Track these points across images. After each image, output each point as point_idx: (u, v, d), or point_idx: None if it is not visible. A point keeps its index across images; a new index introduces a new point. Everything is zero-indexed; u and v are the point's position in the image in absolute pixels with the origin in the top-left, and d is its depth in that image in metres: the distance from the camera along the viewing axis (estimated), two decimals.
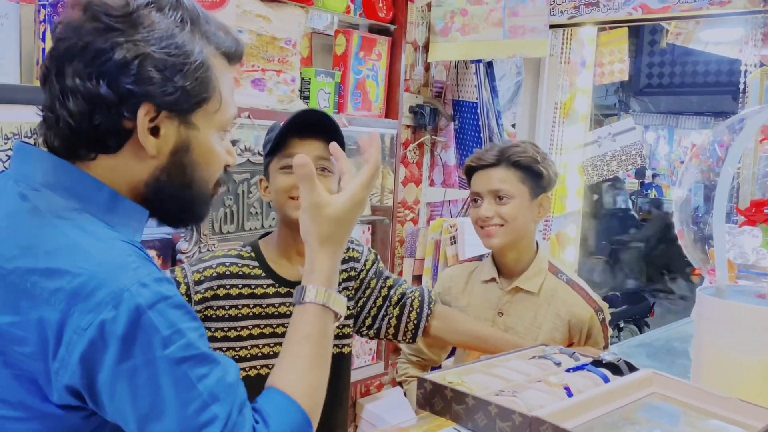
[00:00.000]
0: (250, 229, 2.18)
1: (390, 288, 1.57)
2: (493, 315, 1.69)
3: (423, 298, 1.58)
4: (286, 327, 1.36)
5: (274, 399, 0.87)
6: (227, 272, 1.39)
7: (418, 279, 3.00)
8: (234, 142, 2.11)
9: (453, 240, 2.84)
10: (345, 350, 1.51)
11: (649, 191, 14.08)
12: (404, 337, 1.58)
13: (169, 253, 2.01)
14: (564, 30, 3.14)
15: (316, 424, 0.90)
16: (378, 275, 1.56)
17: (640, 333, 6.50)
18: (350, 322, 1.54)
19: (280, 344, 1.37)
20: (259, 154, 2.17)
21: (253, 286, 1.40)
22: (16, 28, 1.64)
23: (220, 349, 1.37)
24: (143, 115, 0.81)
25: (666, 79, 11.46)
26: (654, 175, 14.63)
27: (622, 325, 6.45)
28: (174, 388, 0.76)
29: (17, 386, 0.75)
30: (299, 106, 2.32)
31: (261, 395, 0.88)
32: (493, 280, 1.70)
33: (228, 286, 1.38)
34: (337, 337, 1.49)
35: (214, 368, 0.79)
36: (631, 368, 1.32)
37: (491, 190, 1.63)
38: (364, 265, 1.55)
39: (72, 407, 0.77)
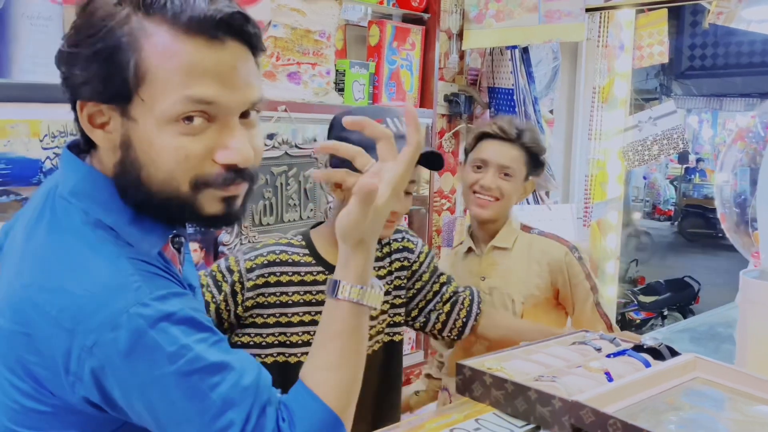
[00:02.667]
0: (289, 221, 2.21)
1: (442, 285, 1.60)
2: (476, 281, 1.74)
3: (473, 297, 1.62)
4: None
5: (302, 397, 0.85)
6: (277, 260, 1.41)
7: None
8: (271, 136, 2.14)
9: None
10: (396, 338, 1.54)
11: (693, 176, 13.77)
12: (450, 334, 1.61)
13: (211, 245, 2.05)
14: (601, 13, 3.09)
15: (349, 423, 0.87)
16: (431, 270, 1.59)
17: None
18: (401, 310, 1.56)
19: None
20: (296, 146, 2.20)
21: (302, 273, 1.42)
22: (60, 29, 1.69)
23: (273, 335, 1.40)
24: (80, 111, 0.80)
25: (709, 61, 11.15)
26: (698, 160, 14.30)
27: (666, 312, 6.34)
28: (187, 401, 0.76)
29: (38, 387, 0.78)
30: (334, 98, 2.33)
31: (292, 389, 0.86)
32: (470, 250, 1.78)
33: (278, 273, 1.40)
34: (388, 325, 1.52)
35: (228, 375, 0.78)
36: (673, 353, 1.30)
37: (502, 165, 1.68)
38: (418, 257, 1.57)
39: (95, 406, 0.79)
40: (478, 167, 1.70)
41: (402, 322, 1.56)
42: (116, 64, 0.75)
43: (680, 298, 6.54)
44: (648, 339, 1.35)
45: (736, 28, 3.42)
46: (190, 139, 0.78)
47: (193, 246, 2.00)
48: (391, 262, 1.53)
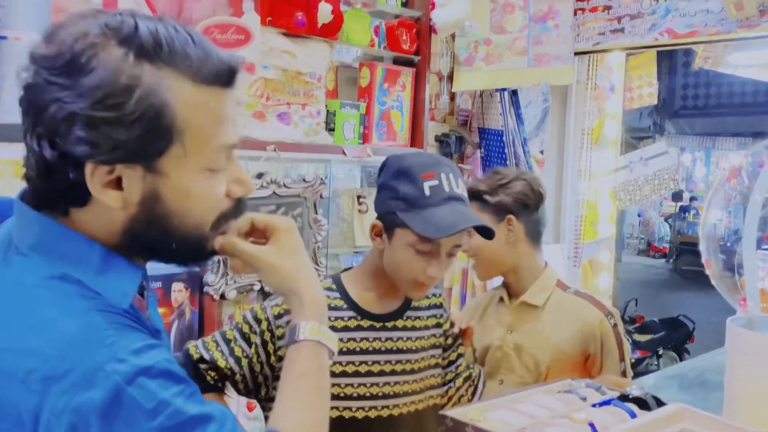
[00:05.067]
0: None
1: (459, 355, 1.54)
2: (503, 333, 1.69)
3: (480, 376, 1.57)
4: (369, 365, 1.37)
5: None
6: None
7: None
8: (260, 175, 2.14)
9: None
10: (439, 400, 1.48)
11: (687, 214, 13.82)
12: (452, 406, 1.52)
13: (196, 286, 2.04)
14: (590, 56, 3.13)
15: None
16: (453, 335, 1.53)
17: (680, 360, 6.32)
18: (438, 371, 1.48)
19: (364, 385, 1.36)
20: (285, 186, 2.20)
21: (333, 318, 1.34)
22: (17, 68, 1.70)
23: None
24: (90, 174, 0.74)
25: (701, 101, 11.30)
26: (692, 198, 14.37)
27: (661, 351, 6.28)
28: None
29: None
30: (325, 138, 2.34)
31: None
32: (501, 300, 1.74)
33: None
34: (431, 387, 1.45)
35: (208, 426, 0.76)
36: (660, 403, 1.28)
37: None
38: (447, 318, 1.52)
39: None
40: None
41: (437, 384, 1.48)
42: (151, 124, 0.74)
43: (675, 337, 6.49)
44: (634, 389, 1.33)
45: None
46: (216, 181, 0.82)
47: (178, 286, 1.98)
48: (429, 316, 1.47)
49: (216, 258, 1.99)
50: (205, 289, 2.03)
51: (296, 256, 0.93)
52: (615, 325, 1.63)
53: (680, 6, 2.50)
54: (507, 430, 1.12)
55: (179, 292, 1.99)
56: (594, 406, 1.28)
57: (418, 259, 1.32)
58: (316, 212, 2.31)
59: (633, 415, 1.24)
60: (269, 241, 0.93)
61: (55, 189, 0.77)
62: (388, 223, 1.34)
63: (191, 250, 0.84)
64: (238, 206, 0.87)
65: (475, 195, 1.64)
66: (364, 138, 2.55)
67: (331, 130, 2.42)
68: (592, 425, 1.18)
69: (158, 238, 0.81)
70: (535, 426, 1.15)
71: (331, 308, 1.35)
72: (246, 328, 1.34)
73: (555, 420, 1.19)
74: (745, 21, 2.37)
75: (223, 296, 2.05)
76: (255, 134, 2.12)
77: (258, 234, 0.94)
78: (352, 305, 1.38)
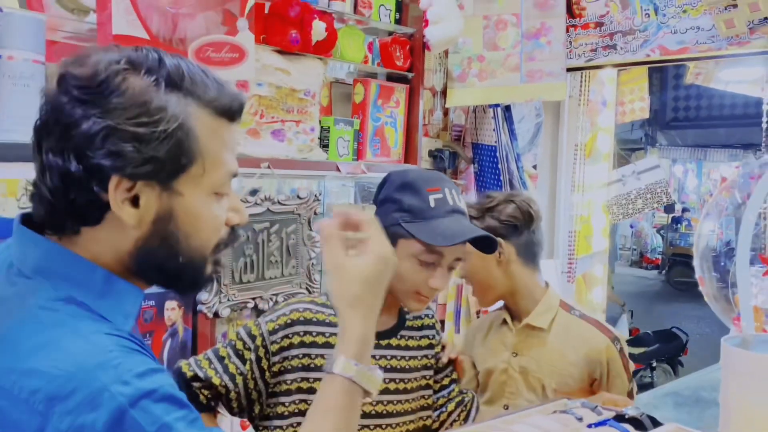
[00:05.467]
0: (270, 278, 2.19)
1: (453, 381, 1.53)
2: (508, 357, 1.68)
3: (474, 401, 1.55)
4: None
5: None
6: (301, 318, 1.34)
7: (440, 324, 2.97)
8: (254, 192, 2.13)
9: None
10: (428, 422, 1.47)
11: (679, 225, 13.88)
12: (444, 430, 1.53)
13: (190, 305, 2.02)
14: (583, 71, 3.15)
15: None
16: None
17: (674, 372, 6.32)
18: (430, 392, 1.48)
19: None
20: (279, 203, 2.20)
21: (327, 335, 1.35)
22: (42, 88, 1.70)
23: (294, 402, 1.32)
24: (114, 188, 0.78)
25: (692, 113, 11.38)
26: (684, 210, 14.43)
27: (654, 364, 6.28)
28: None
29: None
30: (319, 154, 2.34)
31: None
32: (504, 322, 1.72)
33: (302, 333, 1.33)
34: (422, 408, 1.44)
35: None
36: (655, 423, 1.28)
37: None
38: (440, 340, 1.52)
39: None
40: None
41: (429, 405, 1.47)
42: (178, 143, 0.80)
43: (669, 349, 6.49)
44: (630, 408, 1.33)
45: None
46: (221, 206, 0.88)
47: (171, 305, 1.97)
48: (421, 337, 1.47)
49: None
50: (199, 307, 2.02)
51: (370, 287, 0.94)
52: (621, 350, 1.64)
53: (671, 23, 2.52)
54: None
55: (172, 311, 1.97)
56: (590, 426, 1.28)
57: (420, 270, 1.33)
58: (311, 229, 2.30)
59: None
60: (361, 251, 0.96)
61: (71, 206, 0.79)
62: (391, 236, 1.34)
63: (193, 272, 0.87)
64: (233, 234, 0.91)
65: None
66: (359, 154, 2.55)
67: (325, 146, 2.43)
68: None
69: (166, 259, 0.84)
70: None
71: (325, 324, 1.35)
72: (240, 345, 1.34)
73: None
74: (735, 38, 2.39)
75: (216, 314, 2.03)
76: (249, 151, 2.12)
77: (351, 227, 0.98)
78: None
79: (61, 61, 0.82)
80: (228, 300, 2.06)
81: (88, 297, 0.80)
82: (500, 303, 1.76)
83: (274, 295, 2.19)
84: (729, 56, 2.46)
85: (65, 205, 0.79)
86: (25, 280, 0.80)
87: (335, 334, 1.34)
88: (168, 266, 0.85)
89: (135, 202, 0.80)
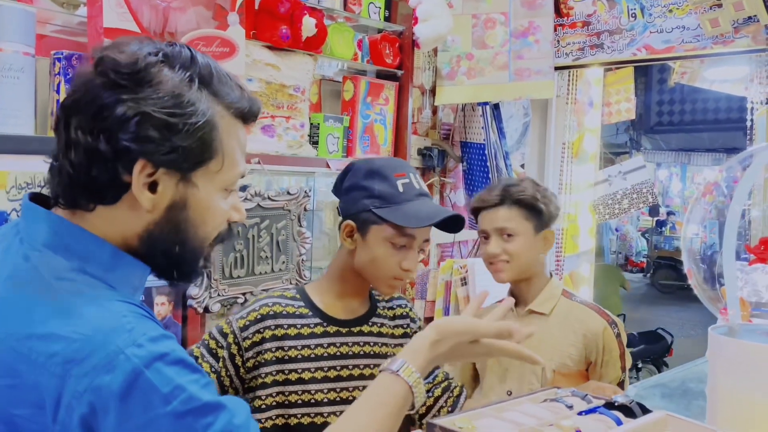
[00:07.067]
0: (260, 273, 2.19)
1: (436, 366, 1.54)
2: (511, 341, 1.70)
3: (462, 390, 1.58)
4: (338, 370, 1.39)
5: None
6: (271, 312, 1.36)
7: (429, 321, 2.97)
8: (244, 188, 2.13)
9: (464, 281, 2.83)
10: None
11: (664, 228, 13.99)
12: (431, 416, 1.55)
13: (179, 299, 2.02)
14: (570, 71, 3.18)
15: None
16: None
17: (659, 373, 6.37)
18: None
19: (334, 390, 1.38)
20: (269, 198, 2.20)
21: (299, 326, 1.37)
22: (32, 81, 1.69)
23: (271, 395, 1.34)
24: (138, 171, 0.82)
25: (677, 117, 11.49)
26: (668, 213, 14.56)
27: (640, 365, 6.33)
28: None
29: None
30: (308, 150, 2.35)
31: None
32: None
33: (273, 327, 1.35)
34: None
35: (220, 414, 0.79)
36: (645, 410, 1.29)
37: (497, 228, 1.70)
38: (418, 328, 1.54)
39: None
40: (485, 238, 1.74)
41: None
42: (205, 137, 0.85)
43: (654, 350, 6.55)
44: (619, 396, 1.35)
45: (701, 87, 3.54)
46: (227, 203, 0.92)
47: (161, 299, 1.96)
48: (395, 326, 1.50)
49: None
50: (189, 302, 2.01)
51: (457, 352, 1.09)
52: (618, 335, 1.67)
53: (657, 22, 2.55)
54: None
55: (162, 306, 1.97)
56: (580, 414, 1.29)
57: (394, 253, 1.36)
58: (301, 225, 2.30)
59: (619, 423, 1.25)
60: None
61: (91, 182, 0.82)
62: (362, 222, 1.38)
63: (192, 261, 0.91)
64: (230, 230, 0.97)
65: (521, 201, 1.69)
66: (348, 151, 2.56)
67: (314, 143, 2.43)
68: None
69: (173, 244, 0.88)
70: None
71: (296, 316, 1.38)
72: (213, 344, 1.35)
73: (542, 428, 1.20)
74: (720, 37, 2.43)
75: (207, 309, 2.03)
76: None
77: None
78: (318, 312, 1.40)
79: (98, 46, 0.86)
80: (218, 295, 2.05)
81: (97, 270, 0.83)
82: (497, 298, 1.79)
83: (264, 290, 2.19)
84: (714, 55, 2.50)
85: (85, 180, 0.82)
86: (37, 254, 0.82)
87: (307, 324, 1.38)
88: (173, 252, 0.88)
89: (152, 188, 0.84)
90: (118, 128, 0.80)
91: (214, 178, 0.88)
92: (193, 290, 2.01)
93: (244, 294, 2.13)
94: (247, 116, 0.92)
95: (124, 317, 0.78)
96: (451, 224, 1.39)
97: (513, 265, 1.70)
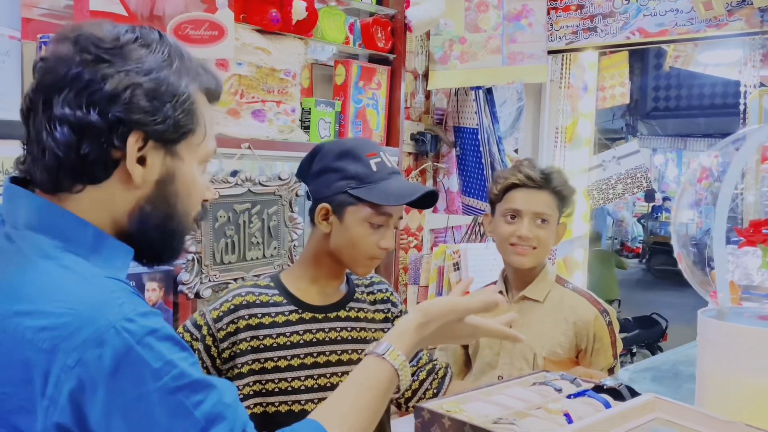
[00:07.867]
0: (252, 259, 2.18)
1: (420, 349, 1.54)
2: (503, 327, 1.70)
3: (447, 371, 1.56)
4: (314, 357, 1.38)
5: (311, 427, 0.89)
6: (244, 302, 1.35)
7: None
8: (234, 173, 2.12)
9: (456, 266, 2.83)
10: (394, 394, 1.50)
11: (659, 214, 14.01)
12: (417, 403, 1.53)
13: (170, 285, 2.01)
14: (564, 55, 3.16)
15: None
16: None
17: None
18: None
19: (311, 377, 1.37)
20: (260, 184, 2.19)
21: (273, 314, 1.36)
22: (18, 64, 1.67)
23: (248, 384, 1.33)
24: (133, 143, 0.82)
25: (672, 102, 11.48)
26: (664, 198, 14.57)
27: (635, 350, 6.37)
28: (170, 419, 0.75)
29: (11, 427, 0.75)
30: (299, 135, 2.33)
31: (301, 422, 0.90)
32: (500, 293, 1.71)
33: (247, 317, 1.34)
34: None
35: (210, 392, 0.79)
36: (633, 393, 1.30)
37: (537, 212, 1.65)
38: (400, 312, 1.53)
39: None
40: (512, 217, 1.67)
41: None
42: (190, 107, 0.87)
43: (648, 335, 6.58)
44: (608, 379, 1.35)
45: (696, 71, 3.53)
46: (203, 178, 0.94)
47: (152, 285, 1.95)
48: (375, 311, 1.48)
49: (190, 256, 1.98)
50: (180, 288, 2.01)
51: (444, 334, 1.11)
52: (609, 323, 1.66)
53: (651, 5, 2.54)
54: (484, 421, 1.13)
55: (153, 291, 1.96)
56: (569, 397, 1.29)
57: (372, 232, 1.36)
58: (292, 210, 2.30)
59: (607, 406, 1.25)
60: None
61: (80, 161, 0.81)
62: (337, 204, 1.36)
63: (180, 237, 0.93)
64: (204, 210, 0.98)
65: (561, 191, 1.67)
66: (340, 136, 2.54)
67: (306, 128, 2.41)
68: (567, 415, 1.19)
69: (164, 219, 0.89)
70: (511, 416, 1.16)
71: (270, 305, 1.37)
72: (188, 337, 1.34)
73: (531, 411, 1.20)
74: (714, 20, 2.41)
75: (197, 295, 2.03)
76: (229, 131, 2.11)
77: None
78: (292, 299, 1.39)
79: (63, 29, 0.85)
80: (209, 280, 2.05)
81: (81, 251, 0.83)
82: (485, 283, 1.78)
83: (255, 276, 2.18)
84: (707, 38, 2.49)
85: (74, 160, 0.81)
86: (20, 233, 0.82)
87: (281, 312, 1.37)
88: (163, 227, 0.89)
89: (141, 162, 0.84)
90: (110, 101, 0.80)
91: (196, 150, 0.90)
92: (184, 276, 2.01)
93: (235, 279, 2.13)
94: (213, 94, 0.93)
95: (113, 292, 0.78)
96: (426, 200, 1.39)
97: (539, 252, 1.66)
